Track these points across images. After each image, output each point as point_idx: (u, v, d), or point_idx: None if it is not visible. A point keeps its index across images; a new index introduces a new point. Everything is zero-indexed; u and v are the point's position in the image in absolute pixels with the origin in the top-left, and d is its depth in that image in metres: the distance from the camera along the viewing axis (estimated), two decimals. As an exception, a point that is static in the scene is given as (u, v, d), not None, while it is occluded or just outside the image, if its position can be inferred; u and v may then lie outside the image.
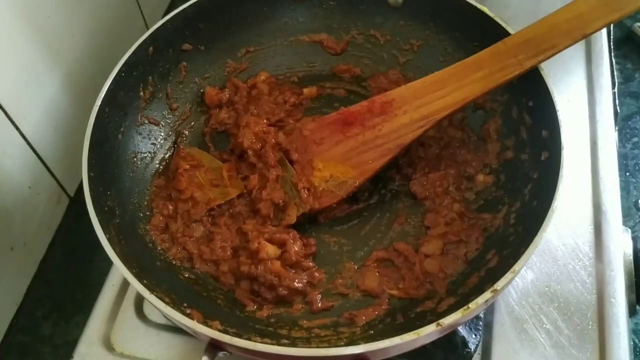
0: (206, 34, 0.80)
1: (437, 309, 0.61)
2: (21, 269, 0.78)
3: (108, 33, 0.88)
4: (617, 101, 0.88)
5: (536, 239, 0.55)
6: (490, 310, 0.68)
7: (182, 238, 0.70)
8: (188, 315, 0.55)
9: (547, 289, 0.69)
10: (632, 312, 0.70)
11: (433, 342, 0.57)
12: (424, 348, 0.60)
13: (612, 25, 0.81)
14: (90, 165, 0.63)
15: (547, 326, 0.67)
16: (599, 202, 0.75)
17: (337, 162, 0.72)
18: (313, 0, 0.83)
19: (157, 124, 0.77)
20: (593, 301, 0.68)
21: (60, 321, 0.78)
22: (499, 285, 0.53)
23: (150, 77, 0.75)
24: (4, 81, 0.69)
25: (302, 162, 0.73)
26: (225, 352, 0.56)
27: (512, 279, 0.54)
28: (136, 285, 0.55)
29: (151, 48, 0.74)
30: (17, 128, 0.72)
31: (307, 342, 0.61)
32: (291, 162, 0.74)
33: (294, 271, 0.67)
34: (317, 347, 0.60)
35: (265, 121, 0.78)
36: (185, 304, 0.59)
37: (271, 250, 0.67)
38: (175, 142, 0.78)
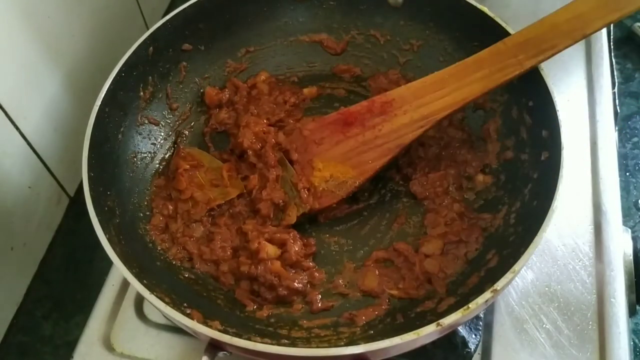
0: (206, 34, 0.80)
1: (437, 309, 0.61)
2: (21, 269, 0.78)
3: (108, 33, 0.88)
4: (617, 101, 0.88)
5: (536, 239, 0.55)
6: (490, 310, 0.68)
7: (182, 238, 0.70)
8: (188, 315, 0.55)
9: (547, 289, 0.69)
10: (632, 312, 0.70)
11: (433, 342, 0.57)
12: (424, 348, 0.60)
13: (612, 25, 0.81)
14: (90, 165, 0.63)
15: (547, 326, 0.67)
16: (599, 202, 0.75)
17: (337, 162, 0.72)
18: (313, 0, 0.83)
19: (157, 124, 0.77)
20: (593, 301, 0.68)
21: (60, 321, 0.78)
22: (499, 285, 0.53)
23: (150, 77, 0.75)
24: (4, 81, 0.69)
25: (302, 162, 0.73)
26: (225, 352, 0.56)
27: (512, 279, 0.54)
28: (136, 285, 0.55)
29: (151, 48, 0.74)
30: (17, 128, 0.72)
31: (307, 342, 0.61)
32: (291, 162, 0.74)
33: (294, 271, 0.67)
34: (317, 347, 0.60)
35: (265, 121, 0.78)
36: (185, 304, 0.59)
37: (271, 250, 0.67)
38: (175, 142, 0.78)
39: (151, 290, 0.55)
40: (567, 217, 0.74)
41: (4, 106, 0.69)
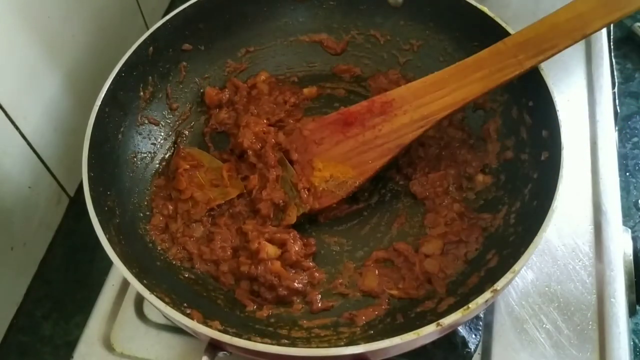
0: (206, 34, 0.80)
1: (437, 309, 0.61)
2: (21, 269, 0.78)
3: (108, 33, 0.88)
4: (617, 101, 0.88)
5: (536, 239, 0.55)
6: (490, 310, 0.68)
7: (182, 238, 0.70)
8: (188, 315, 0.55)
9: (547, 289, 0.69)
10: (632, 312, 0.70)
11: (433, 342, 0.57)
12: (424, 348, 0.60)
13: (612, 25, 0.81)
14: (90, 165, 0.63)
15: (547, 326, 0.67)
16: (599, 202, 0.75)
17: (337, 162, 0.72)
18: (313, 0, 0.83)
19: (157, 124, 0.77)
20: (593, 301, 0.68)
21: (60, 321, 0.78)
22: (499, 285, 0.53)
23: (150, 77, 0.75)
24: (4, 81, 0.69)
25: (302, 162, 0.73)
26: (225, 352, 0.56)
27: (512, 279, 0.54)
28: (136, 285, 0.55)
29: (151, 48, 0.74)
30: (17, 128, 0.72)
31: (307, 342, 0.61)
32: (291, 162, 0.74)
33: (294, 271, 0.67)
34: (317, 347, 0.60)
35: (265, 121, 0.78)
36: (185, 304, 0.59)
37: (271, 250, 0.67)
38: (175, 142, 0.78)
39: (151, 290, 0.55)
40: (567, 217, 0.74)
41: (4, 106, 0.69)
